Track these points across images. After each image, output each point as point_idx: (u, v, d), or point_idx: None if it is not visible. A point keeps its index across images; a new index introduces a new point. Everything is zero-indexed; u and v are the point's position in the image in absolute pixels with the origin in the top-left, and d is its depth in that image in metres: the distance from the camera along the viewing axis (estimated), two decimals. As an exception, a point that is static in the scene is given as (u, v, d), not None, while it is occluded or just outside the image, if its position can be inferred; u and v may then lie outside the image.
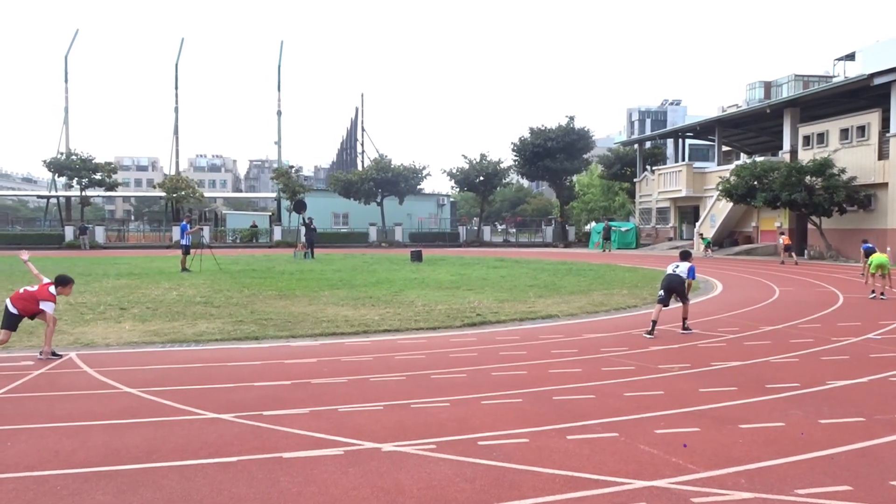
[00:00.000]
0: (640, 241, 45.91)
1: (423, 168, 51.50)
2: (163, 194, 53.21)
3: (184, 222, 25.22)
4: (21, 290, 8.23)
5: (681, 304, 10.49)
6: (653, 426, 5.54)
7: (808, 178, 29.02)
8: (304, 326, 10.75)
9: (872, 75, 29.32)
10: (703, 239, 36.00)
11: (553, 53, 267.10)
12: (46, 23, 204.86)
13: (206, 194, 71.09)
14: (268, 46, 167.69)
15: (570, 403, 6.28)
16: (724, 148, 47.79)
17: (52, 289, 8.27)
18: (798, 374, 7.58)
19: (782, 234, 30.02)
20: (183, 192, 49.81)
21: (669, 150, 55.64)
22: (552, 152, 48.77)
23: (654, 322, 10.07)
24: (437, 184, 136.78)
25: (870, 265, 15.49)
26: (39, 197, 70.71)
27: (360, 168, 58.38)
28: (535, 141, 49.18)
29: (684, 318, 10.48)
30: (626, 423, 5.62)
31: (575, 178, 57.07)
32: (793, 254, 27.89)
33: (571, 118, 50.20)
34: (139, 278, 19.24)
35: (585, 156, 52.09)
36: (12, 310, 8.08)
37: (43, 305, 8.13)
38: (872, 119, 29.81)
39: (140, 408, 6.14)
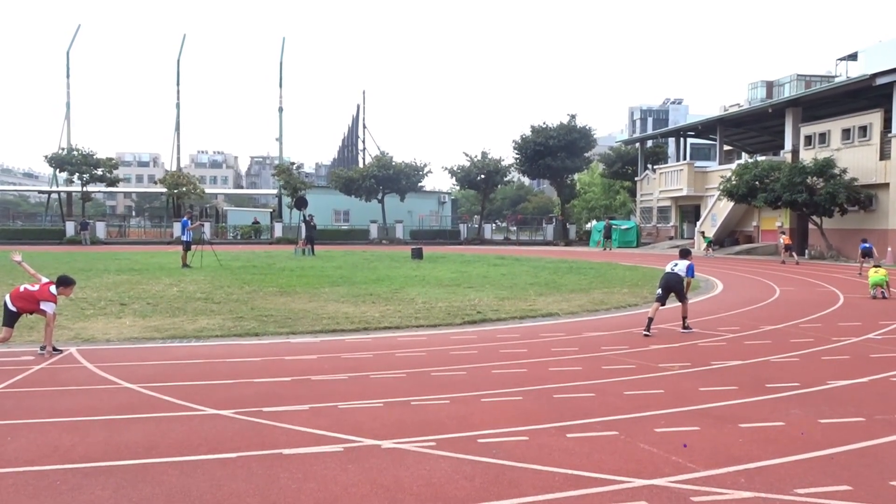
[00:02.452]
0: (641, 240, 45.88)
1: (425, 165, 51.59)
2: (164, 190, 53.27)
3: (185, 218, 25.20)
4: (21, 289, 8.10)
5: (679, 303, 10.49)
6: (653, 425, 5.53)
7: (809, 178, 29.02)
8: (305, 323, 10.75)
9: (874, 75, 29.30)
10: (704, 238, 35.99)
11: (555, 51, 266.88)
12: (48, 18, 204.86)
13: (208, 190, 70.98)
14: (270, 43, 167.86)
15: (571, 401, 6.28)
16: (726, 147, 47.75)
17: (52, 289, 8.14)
18: (798, 373, 7.57)
19: (783, 233, 29.99)
20: (184, 189, 49.85)
21: (671, 149, 55.59)
22: (553, 150, 48.76)
23: (651, 319, 10.07)
24: (438, 181, 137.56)
25: (868, 278, 15.56)
26: (40, 192, 70.88)
27: (361, 165, 58.40)
28: (537, 139, 49.17)
29: (684, 317, 10.47)
30: (627, 422, 5.61)
31: (576, 176, 57.08)
32: (793, 253, 27.87)
33: (573, 116, 50.25)
34: (140, 274, 19.25)
35: (587, 154, 52.10)
36: (11, 308, 8.00)
37: (44, 306, 8.03)
38: (874, 119, 29.79)
39: (140, 403, 6.14)
